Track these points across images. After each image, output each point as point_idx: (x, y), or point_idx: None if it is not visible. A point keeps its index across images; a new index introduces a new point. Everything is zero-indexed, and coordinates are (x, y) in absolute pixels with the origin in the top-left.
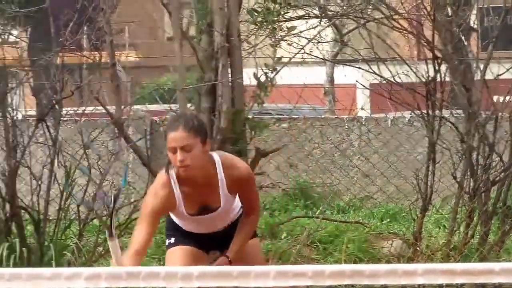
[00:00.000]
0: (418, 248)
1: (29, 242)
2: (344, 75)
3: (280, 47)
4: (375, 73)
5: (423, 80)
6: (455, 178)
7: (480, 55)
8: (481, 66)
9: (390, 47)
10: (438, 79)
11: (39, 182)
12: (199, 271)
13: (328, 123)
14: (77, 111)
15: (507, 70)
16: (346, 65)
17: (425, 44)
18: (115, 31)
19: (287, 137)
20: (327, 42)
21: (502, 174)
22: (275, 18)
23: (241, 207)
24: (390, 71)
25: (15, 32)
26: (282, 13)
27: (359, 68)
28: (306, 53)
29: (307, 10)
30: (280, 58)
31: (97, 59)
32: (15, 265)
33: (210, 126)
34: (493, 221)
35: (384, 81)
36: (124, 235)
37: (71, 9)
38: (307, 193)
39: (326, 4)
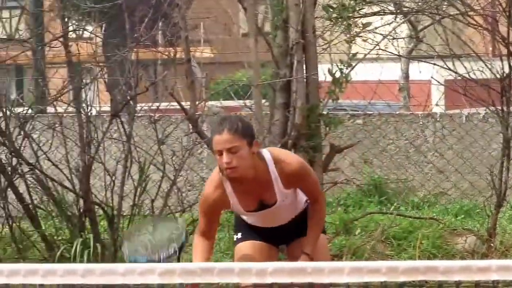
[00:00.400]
0: (492, 244)
1: (103, 238)
2: (419, 71)
3: (355, 43)
4: (450, 69)
5: (498, 76)
6: None
7: None
8: None
9: (465, 43)
10: None
11: (113, 178)
12: (274, 267)
13: (402, 119)
14: (151, 107)
15: None
16: (421, 61)
17: (500, 40)
18: (190, 26)
19: (361, 133)
20: (402, 38)
21: None
22: (350, 14)
23: (306, 201)
24: (465, 67)
25: (89, 28)
26: (357, 9)
27: (434, 64)
28: (381, 49)
29: (382, 6)
30: (355, 54)
31: (172, 55)
32: (89, 260)
33: (285, 122)
34: None
35: (459, 77)
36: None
37: (146, 4)
38: (382, 189)
39: (402, 0)
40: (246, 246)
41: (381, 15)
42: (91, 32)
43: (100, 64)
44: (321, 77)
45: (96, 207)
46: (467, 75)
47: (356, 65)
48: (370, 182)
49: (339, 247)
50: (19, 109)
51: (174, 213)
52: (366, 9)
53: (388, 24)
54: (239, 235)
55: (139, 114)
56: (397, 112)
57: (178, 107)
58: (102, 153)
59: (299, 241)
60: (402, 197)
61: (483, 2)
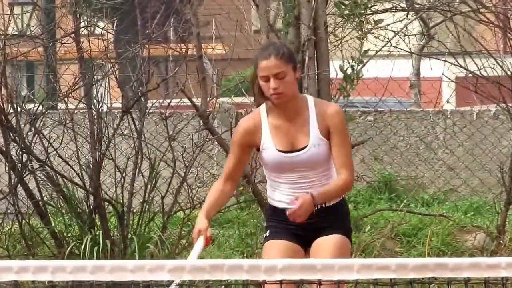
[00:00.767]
0: (501, 242)
1: (112, 235)
2: (430, 68)
3: (366, 40)
4: (461, 66)
5: (509, 73)
6: None
7: None
8: None
9: (476, 40)
10: None
11: (123, 175)
12: (283, 264)
13: (413, 116)
14: (162, 104)
15: None
16: (433, 58)
17: (511, 37)
18: (201, 23)
19: (372, 130)
20: (414, 35)
21: None
22: (362, 11)
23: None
24: (476, 64)
25: (101, 24)
26: (369, 6)
27: (445, 61)
28: (393, 46)
29: (394, 3)
30: (366, 51)
31: (184, 51)
32: (98, 257)
33: None
34: None
35: (470, 74)
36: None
37: (158, 1)
38: (392, 186)
39: None
40: (272, 246)
41: (392, 12)
42: (102, 28)
43: (112, 60)
44: (332, 74)
45: (106, 203)
46: (478, 72)
47: (367, 62)
48: (380, 179)
49: None
50: (30, 105)
51: (184, 210)
52: (378, 6)
53: (399, 21)
54: (268, 233)
55: (150, 111)
56: (408, 109)
57: (189, 103)
58: (113, 150)
59: (322, 239)
60: (412, 194)
61: None
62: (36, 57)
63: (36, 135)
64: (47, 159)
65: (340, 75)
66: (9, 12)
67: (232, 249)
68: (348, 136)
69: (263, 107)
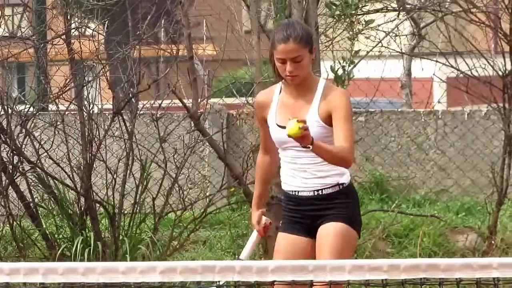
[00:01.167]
0: (493, 242)
1: (103, 236)
2: (421, 68)
3: (357, 40)
4: (452, 66)
5: (500, 73)
6: None
7: None
8: None
9: (467, 40)
10: None
11: (115, 176)
12: (275, 265)
13: (404, 117)
14: (153, 105)
15: None
16: (424, 58)
17: (502, 37)
18: (192, 24)
19: (363, 131)
20: (405, 35)
21: None
22: (353, 12)
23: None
24: (467, 65)
25: (92, 25)
26: (360, 6)
27: (436, 61)
28: (384, 46)
29: (385, 4)
30: (357, 52)
31: (174, 52)
32: (90, 259)
33: None
34: None
35: (461, 75)
36: (200, 228)
37: (149, 2)
38: (383, 187)
39: None
40: (281, 240)
41: (383, 12)
42: (93, 30)
43: (102, 61)
44: (323, 74)
45: (97, 205)
46: (469, 72)
47: (358, 62)
48: (371, 179)
49: None
50: (21, 107)
51: (175, 211)
52: (369, 7)
53: (390, 21)
54: (281, 223)
55: (141, 112)
56: (399, 110)
57: (180, 104)
58: (104, 151)
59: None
60: (403, 195)
61: None
62: (27, 58)
63: (27, 136)
64: (38, 161)
65: (331, 75)
66: None
67: (224, 250)
68: (351, 116)
69: (279, 83)
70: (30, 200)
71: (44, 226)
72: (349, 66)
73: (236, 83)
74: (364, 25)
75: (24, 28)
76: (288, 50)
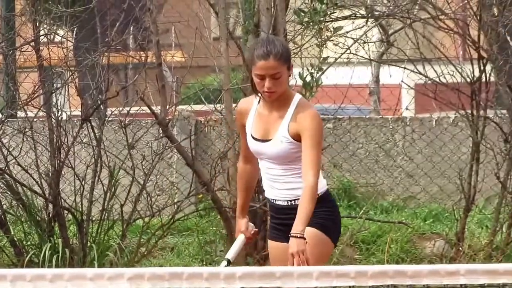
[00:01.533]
0: (460, 248)
1: (71, 243)
2: (390, 75)
3: (326, 47)
4: (420, 73)
5: (468, 80)
6: (498, 178)
7: None
8: None
9: (435, 47)
10: (483, 79)
11: (83, 183)
12: (243, 271)
13: (372, 123)
14: (121, 111)
15: None
16: (392, 65)
17: (470, 44)
18: (161, 31)
19: (331, 137)
20: (373, 42)
21: None
22: (322, 19)
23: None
24: (435, 71)
25: (61, 32)
26: (328, 13)
27: (405, 68)
28: (352, 53)
29: (354, 11)
30: (326, 58)
31: (143, 59)
32: (58, 265)
33: None
34: None
35: (429, 81)
36: (168, 235)
37: (118, 9)
38: (351, 193)
39: (373, 4)
40: (273, 247)
41: (352, 19)
42: (62, 36)
43: (71, 68)
44: (291, 81)
45: (65, 212)
46: (437, 79)
47: (326, 69)
48: (339, 186)
49: None
50: None
51: (143, 218)
52: (337, 13)
53: (359, 28)
54: (268, 228)
55: (110, 119)
56: (367, 116)
57: (148, 111)
58: (72, 158)
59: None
60: (371, 201)
61: (454, 6)
62: None
63: None
64: (6, 168)
65: (300, 82)
66: None
67: (192, 257)
68: (319, 140)
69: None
70: None
71: (12, 233)
72: (317, 73)
73: (205, 90)
74: (332, 32)
75: None
76: (268, 66)
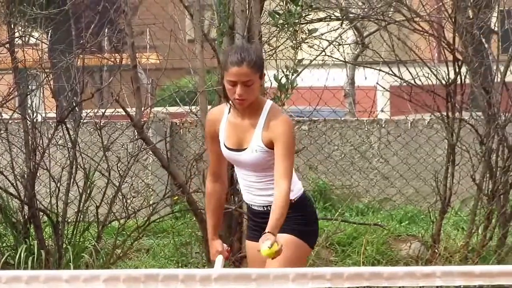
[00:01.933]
0: (436, 250)
1: (47, 244)
2: (365, 77)
3: (301, 49)
4: (395, 75)
5: (444, 82)
6: (474, 180)
7: (501, 57)
8: (501, 68)
9: (410, 49)
10: (459, 81)
11: (58, 185)
12: (218, 274)
13: (348, 125)
14: (97, 113)
15: None
16: (367, 67)
17: (446, 46)
18: (136, 33)
19: (307, 139)
20: (348, 44)
21: None
22: (297, 21)
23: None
24: (411, 73)
25: (35, 34)
26: (303, 15)
27: (380, 70)
28: (327, 55)
29: (329, 13)
30: (301, 60)
31: (118, 61)
32: (33, 267)
33: None
34: (511, 223)
35: (405, 83)
36: (143, 237)
37: (92, 11)
38: (326, 195)
39: (348, 6)
40: (251, 248)
41: (327, 21)
42: (37, 38)
43: (46, 70)
44: (267, 83)
45: (41, 213)
46: (412, 81)
47: (302, 71)
48: (315, 188)
49: None
50: None
51: (119, 219)
52: (312, 16)
53: (334, 30)
54: (247, 228)
55: (85, 121)
56: (343, 118)
57: (123, 113)
58: (47, 160)
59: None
60: (346, 203)
61: (429, 8)
62: None
63: None
64: None
65: (275, 84)
66: None
67: (167, 258)
68: (291, 147)
69: (230, 102)
70: None
71: None
72: (292, 75)
73: (180, 91)
74: (307, 34)
75: None
76: (240, 73)
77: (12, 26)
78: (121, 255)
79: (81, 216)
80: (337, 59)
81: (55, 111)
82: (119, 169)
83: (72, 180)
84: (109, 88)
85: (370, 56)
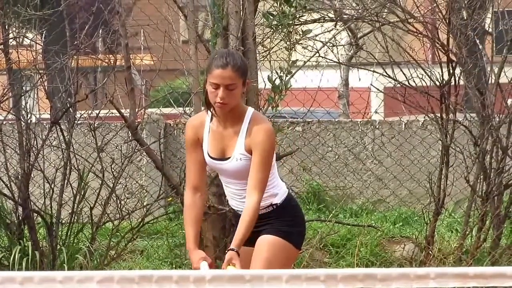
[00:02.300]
0: (430, 252)
1: (41, 246)
2: (359, 78)
3: (295, 50)
4: (389, 76)
5: (438, 83)
6: (468, 181)
7: (495, 58)
8: (496, 70)
9: (404, 50)
10: (453, 82)
11: (52, 186)
12: (212, 275)
13: (342, 127)
14: (91, 114)
15: None
16: (361, 68)
17: (440, 47)
18: (130, 34)
19: (301, 141)
20: (342, 45)
21: None
22: (290, 22)
23: (272, 205)
24: (405, 75)
25: (30, 35)
26: (297, 16)
27: (374, 71)
28: (321, 56)
29: (323, 14)
30: (295, 62)
31: (112, 62)
32: (27, 268)
33: None
34: (505, 225)
35: (398, 85)
36: (137, 238)
37: (87, 12)
38: (320, 197)
39: (341, 7)
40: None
41: (321, 22)
42: (31, 39)
43: (40, 71)
44: (261, 84)
45: (35, 214)
46: (406, 82)
47: (295, 72)
48: (308, 189)
49: None
50: None
51: (113, 221)
52: (306, 17)
53: (328, 31)
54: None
55: (79, 122)
56: (336, 120)
57: (117, 114)
58: (42, 161)
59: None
60: (340, 205)
61: (423, 9)
62: None
63: None
64: None
65: (269, 85)
66: None
67: (161, 260)
68: (269, 157)
69: (209, 112)
70: None
71: None
72: (286, 76)
73: (174, 93)
74: (301, 35)
75: None
76: (224, 76)
77: (6, 27)
78: (115, 256)
79: (75, 217)
80: (331, 60)
81: (49, 112)
82: (113, 170)
83: (66, 181)
84: (103, 89)
85: (364, 57)
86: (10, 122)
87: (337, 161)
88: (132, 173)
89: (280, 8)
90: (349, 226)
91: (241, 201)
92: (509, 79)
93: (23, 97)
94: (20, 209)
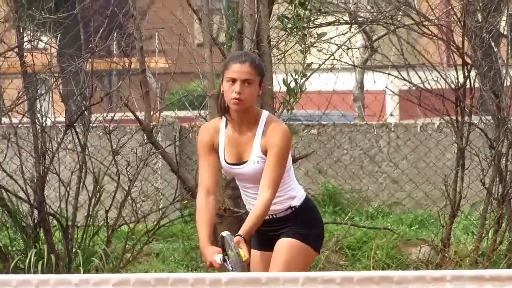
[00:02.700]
0: (446, 255)
1: (57, 249)
2: (374, 81)
3: (310, 53)
4: (404, 79)
5: (453, 86)
6: (483, 184)
7: (510, 61)
8: (511, 72)
9: (419, 53)
10: (468, 85)
11: (68, 189)
12: (228, 278)
13: (357, 129)
14: (106, 117)
15: None
16: (376, 71)
17: (455, 50)
18: (144, 37)
19: (316, 143)
20: (357, 48)
21: None
22: (305, 25)
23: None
24: (420, 77)
25: (44, 39)
26: (312, 19)
27: (389, 74)
28: (336, 59)
29: (337, 17)
30: (309, 65)
31: (127, 65)
32: (43, 271)
33: None
34: None
35: (414, 87)
36: (153, 241)
37: (101, 15)
38: (336, 199)
39: (356, 10)
40: (255, 255)
41: (336, 25)
42: (46, 43)
43: (55, 74)
44: (276, 87)
45: (51, 217)
46: (421, 85)
47: (310, 75)
48: (324, 192)
49: None
50: None
51: (128, 223)
52: (321, 20)
53: (343, 34)
54: (252, 237)
55: (94, 125)
56: (352, 122)
57: (132, 117)
58: (57, 164)
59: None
60: (356, 207)
61: (438, 12)
62: None
63: None
64: None
65: (284, 88)
66: None
67: (177, 262)
68: (284, 157)
69: (223, 118)
70: None
71: None
72: (301, 79)
73: (189, 96)
74: (316, 38)
75: None
76: (242, 70)
77: (21, 31)
78: (131, 259)
79: (91, 220)
80: (346, 63)
81: (64, 115)
82: (128, 173)
83: (81, 184)
84: (118, 92)
85: (379, 60)
86: (25, 125)
87: (353, 164)
88: (148, 176)
89: (295, 11)
90: (365, 229)
91: None
92: None
93: (38, 100)
94: (35, 212)
